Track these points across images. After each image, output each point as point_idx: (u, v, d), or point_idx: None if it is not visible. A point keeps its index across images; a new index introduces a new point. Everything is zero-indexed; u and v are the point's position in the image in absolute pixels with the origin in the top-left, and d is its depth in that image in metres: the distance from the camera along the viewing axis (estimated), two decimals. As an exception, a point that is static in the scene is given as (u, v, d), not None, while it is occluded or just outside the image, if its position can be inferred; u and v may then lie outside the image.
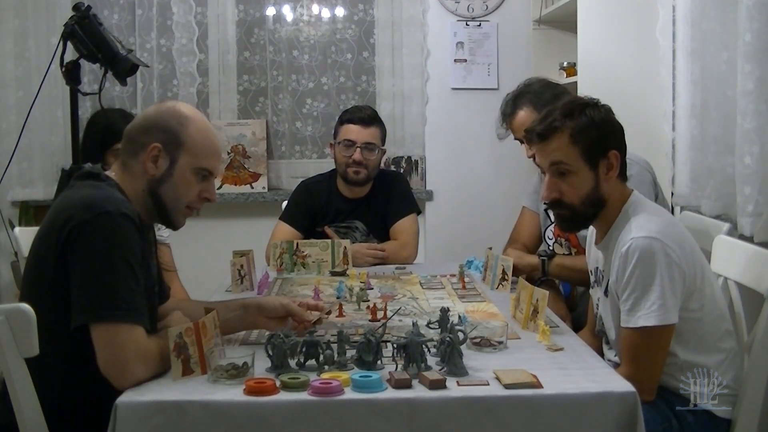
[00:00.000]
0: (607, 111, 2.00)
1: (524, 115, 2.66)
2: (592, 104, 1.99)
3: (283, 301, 1.96)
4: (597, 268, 2.13)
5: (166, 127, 1.85)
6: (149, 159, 1.83)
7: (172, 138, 1.84)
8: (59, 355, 1.71)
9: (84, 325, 1.65)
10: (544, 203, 2.13)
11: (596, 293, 2.14)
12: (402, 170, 4.09)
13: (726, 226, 2.42)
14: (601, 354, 2.05)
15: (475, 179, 4.17)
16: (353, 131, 3.05)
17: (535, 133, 2.00)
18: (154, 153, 1.83)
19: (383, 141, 3.14)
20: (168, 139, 1.84)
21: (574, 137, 1.94)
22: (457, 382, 1.59)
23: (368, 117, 3.10)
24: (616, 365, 1.94)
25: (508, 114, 2.74)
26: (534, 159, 2.26)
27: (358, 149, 3.02)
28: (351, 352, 1.71)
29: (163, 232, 2.74)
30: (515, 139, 2.76)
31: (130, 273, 1.69)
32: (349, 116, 3.09)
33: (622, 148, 2.00)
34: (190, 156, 1.85)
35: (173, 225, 1.92)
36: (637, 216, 1.95)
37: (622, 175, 2.01)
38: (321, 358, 1.67)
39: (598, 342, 2.15)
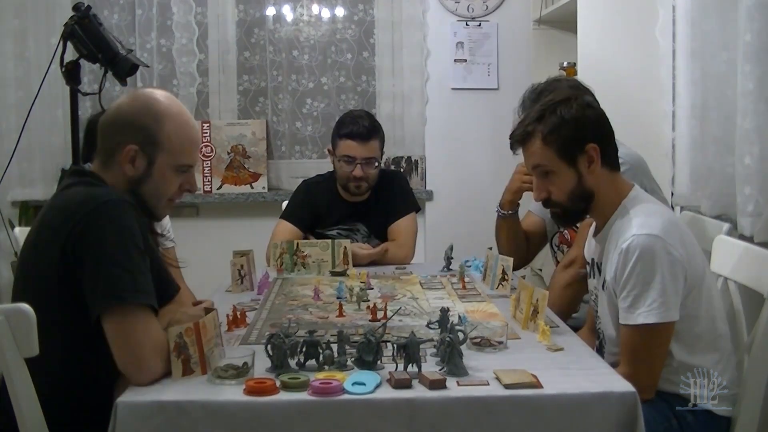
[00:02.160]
0: (582, 105, 1.98)
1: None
2: (566, 101, 1.99)
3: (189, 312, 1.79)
4: (593, 259, 2.13)
5: (141, 125, 1.78)
6: (126, 160, 1.78)
7: (149, 138, 1.78)
8: (58, 354, 1.71)
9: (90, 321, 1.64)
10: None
11: (593, 285, 2.14)
12: (402, 170, 4.09)
13: (726, 226, 2.42)
14: (601, 353, 2.05)
15: (475, 179, 4.16)
16: (352, 147, 2.98)
17: (515, 140, 2.05)
18: (130, 154, 1.78)
19: (382, 148, 3.10)
20: (144, 139, 1.78)
21: (546, 139, 1.96)
22: (457, 382, 1.59)
23: (366, 131, 2.99)
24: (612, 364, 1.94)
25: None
26: None
27: (359, 165, 2.99)
28: (351, 352, 1.70)
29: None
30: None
31: (142, 259, 1.67)
32: (348, 131, 2.99)
33: (601, 139, 1.97)
34: (168, 155, 1.80)
35: (156, 218, 1.90)
36: (637, 212, 1.94)
37: (611, 164, 2.00)
38: (321, 358, 1.67)
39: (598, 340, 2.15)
